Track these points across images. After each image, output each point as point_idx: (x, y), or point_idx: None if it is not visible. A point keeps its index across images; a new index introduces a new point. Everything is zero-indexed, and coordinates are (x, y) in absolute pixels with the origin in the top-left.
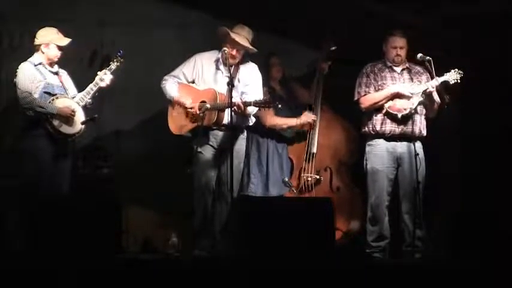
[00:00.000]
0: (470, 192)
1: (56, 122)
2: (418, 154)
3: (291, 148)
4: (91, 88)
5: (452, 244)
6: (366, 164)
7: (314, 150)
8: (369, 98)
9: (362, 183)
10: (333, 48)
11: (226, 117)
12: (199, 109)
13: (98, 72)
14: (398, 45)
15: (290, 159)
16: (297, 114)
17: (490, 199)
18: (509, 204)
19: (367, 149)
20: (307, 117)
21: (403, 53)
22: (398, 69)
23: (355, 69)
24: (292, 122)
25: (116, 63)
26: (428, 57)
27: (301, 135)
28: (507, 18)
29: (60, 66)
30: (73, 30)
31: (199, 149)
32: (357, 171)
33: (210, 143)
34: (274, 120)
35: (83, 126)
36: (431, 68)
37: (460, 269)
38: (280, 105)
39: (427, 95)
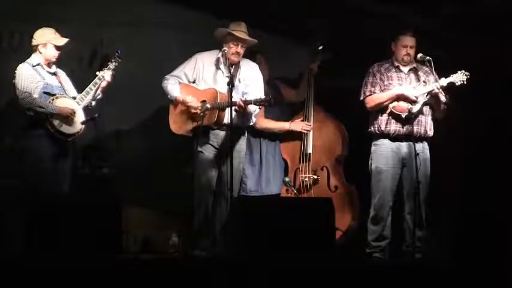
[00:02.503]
0: (472, 192)
1: (56, 122)
2: (418, 154)
3: (284, 149)
4: (90, 88)
5: (453, 244)
6: (371, 164)
7: (310, 150)
8: (373, 98)
9: (360, 182)
10: (320, 47)
11: (227, 117)
12: (200, 108)
13: (97, 73)
14: (408, 44)
15: (284, 160)
16: (287, 115)
17: (491, 199)
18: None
19: (373, 148)
20: (299, 125)
21: (412, 52)
22: (405, 69)
23: (349, 68)
24: (285, 126)
25: (114, 63)
26: (428, 57)
27: (294, 135)
28: (507, 18)
29: (60, 66)
30: (73, 30)
31: (199, 149)
32: (352, 170)
33: (211, 142)
34: (265, 123)
35: (83, 126)
36: (432, 68)
37: (460, 270)
38: (272, 99)
39: (433, 96)
